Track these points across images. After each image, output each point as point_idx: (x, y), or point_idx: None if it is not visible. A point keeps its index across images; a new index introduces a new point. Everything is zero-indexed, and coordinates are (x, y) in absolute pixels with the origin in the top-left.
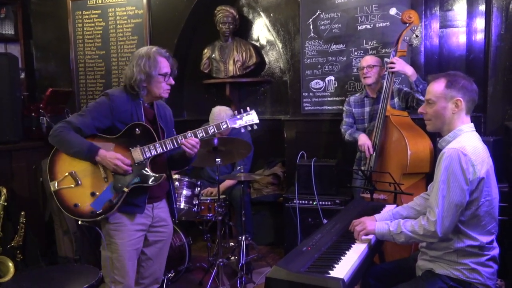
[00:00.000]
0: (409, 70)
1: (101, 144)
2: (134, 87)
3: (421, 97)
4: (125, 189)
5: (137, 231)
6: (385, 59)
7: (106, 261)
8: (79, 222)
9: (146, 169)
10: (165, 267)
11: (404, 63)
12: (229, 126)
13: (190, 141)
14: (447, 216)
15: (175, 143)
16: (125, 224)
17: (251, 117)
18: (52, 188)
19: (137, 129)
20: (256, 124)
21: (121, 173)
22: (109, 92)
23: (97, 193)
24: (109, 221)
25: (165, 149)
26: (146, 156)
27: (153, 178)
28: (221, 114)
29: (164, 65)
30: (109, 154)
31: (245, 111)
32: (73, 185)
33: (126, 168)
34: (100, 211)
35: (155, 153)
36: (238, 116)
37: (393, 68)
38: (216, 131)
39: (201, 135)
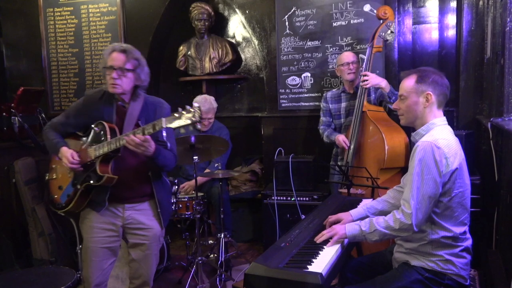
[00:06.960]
0: (382, 82)
1: (73, 143)
2: None
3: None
4: (79, 186)
5: (104, 229)
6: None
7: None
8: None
9: (95, 168)
10: None
11: (376, 77)
12: (163, 126)
13: (133, 138)
14: (420, 208)
15: (118, 143)
16: (90, 219)
17: (190, 115)
18: (46, 178)
19: (96, 128)
20: (196, 122)
21: (71, 169)
22: (87, 92)
23: (63, 187)
24: (81, 214)
25: (109, 149)
26: (96, 154)
27: (96, 178)
28: (207, 100)
29: (109, 58)
30: (64, 151)
31: (183, 109)
32: (52, 177)
33: (70, 166)
34: (63, 204)
35: (101, 152)
36: (177, 115)
37: (367, 84)
38: (152, 131)
39: (139, 134)
